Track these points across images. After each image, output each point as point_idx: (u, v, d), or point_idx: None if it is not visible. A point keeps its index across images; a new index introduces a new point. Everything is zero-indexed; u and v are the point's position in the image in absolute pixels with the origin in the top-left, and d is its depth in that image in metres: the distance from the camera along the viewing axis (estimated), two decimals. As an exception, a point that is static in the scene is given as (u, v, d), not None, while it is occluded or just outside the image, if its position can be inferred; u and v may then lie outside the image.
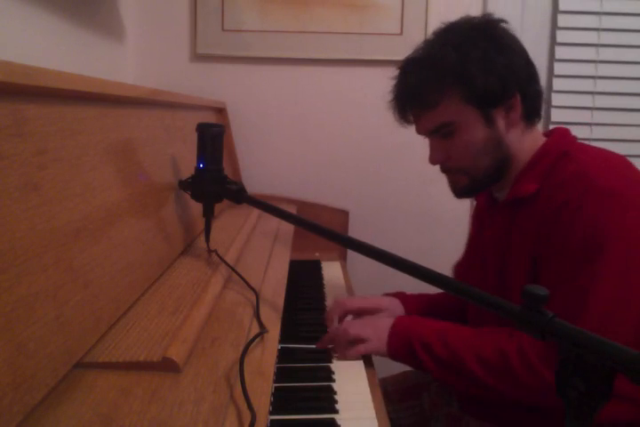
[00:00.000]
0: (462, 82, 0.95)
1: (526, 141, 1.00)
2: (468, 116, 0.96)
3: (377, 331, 0.99)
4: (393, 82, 1.04)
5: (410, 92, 1.01)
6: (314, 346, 1.01)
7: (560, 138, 1.01)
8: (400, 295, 1.24)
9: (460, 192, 1.05)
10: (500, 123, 0.98)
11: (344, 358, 0.97)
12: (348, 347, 0.98)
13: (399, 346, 0.97)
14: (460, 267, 1.24)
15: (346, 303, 1.12)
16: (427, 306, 1.22)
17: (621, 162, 0.95)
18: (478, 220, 1.17)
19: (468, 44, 0.95)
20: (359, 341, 0.98)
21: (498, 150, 0.99)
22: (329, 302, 1.30)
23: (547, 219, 0.91)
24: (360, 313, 1.13)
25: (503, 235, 1.01)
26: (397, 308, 1.18)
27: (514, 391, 0.90)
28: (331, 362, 0.97)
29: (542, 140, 1.02)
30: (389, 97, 1.04)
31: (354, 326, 1.00)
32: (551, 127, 1.11)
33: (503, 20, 0.99)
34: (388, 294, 1.25)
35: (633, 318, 0.85)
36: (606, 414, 0.50)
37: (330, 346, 1.01)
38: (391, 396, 1.21)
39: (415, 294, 1.26)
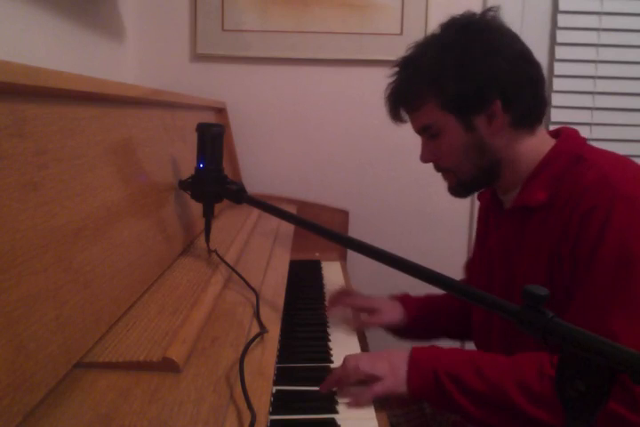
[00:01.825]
0: (436, 88, 0.94)
1: (525, 145, 0.96)
2: (447, 121, 0.95)
3: (392, 366, 0.86)
4: (389, 81, 1.04)
5: (396, 94, 1.01)
6: (317, 388, 0.86)
7: (569, 140, 0.97)
8: (404, 298, 1.22)
9: (451, 191, 1.04)
10: (483, 129, 0.94)
11: (356, 403, 0.83)
12: (359, 389, 0.85)
13: (422, 382, 0.85)
14: (470, 266, 1.21)
15: (349, 296, 1.19)
16: (428, 308, 1.20)
17: (634, 166, 0.92)
18: (483, 221, 1.14)
19: (450, 49, 0.93)
20: (373, 380, 0.85)
21: (481, 156, 0.96)
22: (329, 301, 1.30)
23: (569, 227, 0.86)
24: (357, 310, 1.18)
25: (511, 243, 0.98)
26: (396, 311, 1.17)
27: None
28: (331, 362, 0.97)
29: (549, 142, 0.97)
30: (384, 96, 1.04)
31: (364, 363, 0.87)
32: (551, 127, 1.09)
33: (501, 22, 0.97)
34: (393, 297, 1.23)
35: None
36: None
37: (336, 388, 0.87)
38: (391, 400, 1.19)
39: (420, 296, 1.24)
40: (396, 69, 1.01)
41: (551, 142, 0.97)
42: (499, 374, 0.81)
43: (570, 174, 0.91)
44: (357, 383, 0.86)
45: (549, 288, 0.88)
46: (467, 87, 0.92)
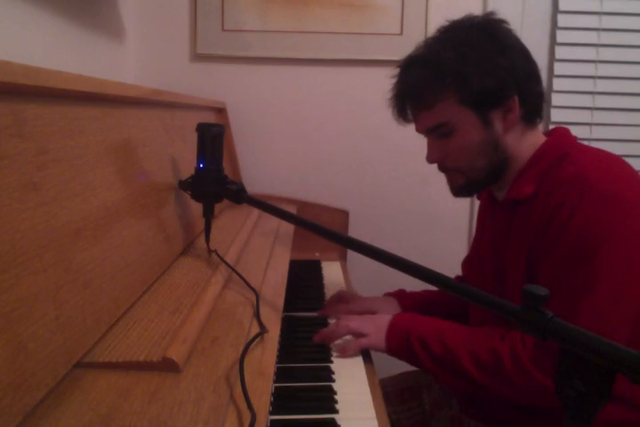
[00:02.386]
0: (459, 84, 0.93)
1: (526, 142, 0.99)
2: (465, 117, 0.95)
3: (376, 327, 1.00)
4: (393, 80, 1.03)
5: (407, 92, 1.00)
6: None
7: (559, 139, 1.00)
8: (399, 294, 1.24)
9: (457, 191, 1.05)
10: (498, 124, 0.97)
11: (343, 352, 0.98)
12: (348, 341, 0.99)
13: (397, 342, 0.98)
14: (466, 262, 1.24)
15: (345, 303, 1.18)
16: (423, 304, 1.22)
17: (620, 165, 0.94)
18: (481, 218, 1.17)
19: (467, 45, 0.94)
20: (359, 335, 0.99)
21: (495, 152, 0.98)
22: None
23: (542, 220, 0.91)
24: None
25: (501, 236, 1.01)
26: (393, 308, 1.19)
27: (506, 391, 0.91)
28: (331, 362, 0.97)
29: (543, 140, 1.01)
30: (389, 95, 1.04)
31: (354, 322, 1.01)
32: (551, 127, 1.10)
33: (504, 21, 0.98)
34: (388, 294, 1.25)
35: (628, 319, 0.85)
36: (602, 415, 0.50)
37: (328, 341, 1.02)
38: (391, 397, 1.20)
39: (415, 291, 1.26)
40: (404, 69, 1.01)
41: (543, 140, 1.00)
42: (457, 342, 0.93)
43: (553, 170, 0.94)
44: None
45: (528, 279, 0.93)
46: (490, 81, 0.93)
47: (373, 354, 1.09)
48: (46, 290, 0.53)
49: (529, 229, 0.94)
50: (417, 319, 1.02)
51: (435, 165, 1.04)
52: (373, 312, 1.17)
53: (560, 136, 1.01)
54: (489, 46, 0.94)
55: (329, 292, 1.38)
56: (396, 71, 1.02)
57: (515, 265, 0.97)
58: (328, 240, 0.89)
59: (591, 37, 1.85)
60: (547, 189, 0.93)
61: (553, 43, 1.86)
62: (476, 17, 0.99)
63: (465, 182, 1.01)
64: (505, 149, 0.98)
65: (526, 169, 0.98)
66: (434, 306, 1.22)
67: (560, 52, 1.85)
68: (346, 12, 1.80)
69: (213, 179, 0.99)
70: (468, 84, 0.93)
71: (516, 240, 0.97)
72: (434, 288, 1.00)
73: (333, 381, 0.89)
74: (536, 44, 1.82)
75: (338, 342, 1.02)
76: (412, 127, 1.05)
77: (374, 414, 0.81)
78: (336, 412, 0.80)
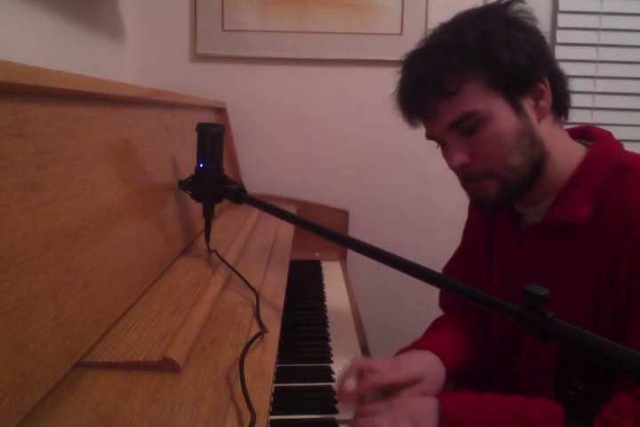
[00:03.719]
0: (485, 63, 0.80)
1: (558, 139, 0.86)
2: (494, 103, 0.81)
3: (417, 421, 0.74)
4: (397, 78, 0.89)
5: (423, 81, 0.84)
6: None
7: (606, 145, 0.86)
8: (423, 346, 0.92)
9: (488, 203, 0.87)
10: (530, 112, 0.83)
11: None
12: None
13: None
14: (451, 271, 1.14)
15: (374, 377, 0.80)
16: (459, 356, 0.94)
17: None
18: (482, 231, 1.03)
19: (485, 22, 0.82)
20: None
21: (532, 146, 0.83)
22: (329, 302, 1.30)
23: (623, 250, 0.77)
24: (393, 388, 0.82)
25: (541, 263, 0.88)
26: (437, 369, 0.87)
27: None
28: (331, 362, 0.97)
29: (575, 144, 0.88)
30: (394, 95, 0.90)
31: (382, 423, 0.72)
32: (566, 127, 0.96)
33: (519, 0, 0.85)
34: (403, 350, 0.92)
35: None
36: None
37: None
38: None
39: (432, 340, 0.96)
40: (410, 62, 0.87)
41: (578, 145, 0.89)
42: (551, 422, 0.70)
43: (614, 186, 0.81)
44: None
45: (596, 312, 0.81)
46: (520, 58, 0.80)
47: (374, 353, 1.09)
48: (46, 290, 0.53)
49: (594, 257, 0.81)
50: (471, 400, 0.76)
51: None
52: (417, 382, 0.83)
53: (606, 141, 0.87)
54: (509, 23, 0.82)
55: (329, 292, 1.38)
56: (399, 69, 0.89)
57: (571, 296, 0.83)
58: (328, 240, 0.88)
59: (591, 37, 1.85)
60: (613, 210, 0.79)
61: (553, 43, 1.85)
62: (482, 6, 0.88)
63: (499, 191, 0.85)
64: (542, 142, 0.84)
65: (574, 184, 0.83)
66: (469, 358, 0.97)
67: (560, 52, 1.85)
68: (346, 11, 1.80)
69: (213, 179, 0.99)
70: (496, 62, 0.79)
71: (571, 269, 0.84)
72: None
73: (333, 381, 0.89)
74: (536, 44, 1.83)
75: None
76: (412, 128, 0.95)
77: (374, 415, 0.81)
78: (336, 412, 0.80)
